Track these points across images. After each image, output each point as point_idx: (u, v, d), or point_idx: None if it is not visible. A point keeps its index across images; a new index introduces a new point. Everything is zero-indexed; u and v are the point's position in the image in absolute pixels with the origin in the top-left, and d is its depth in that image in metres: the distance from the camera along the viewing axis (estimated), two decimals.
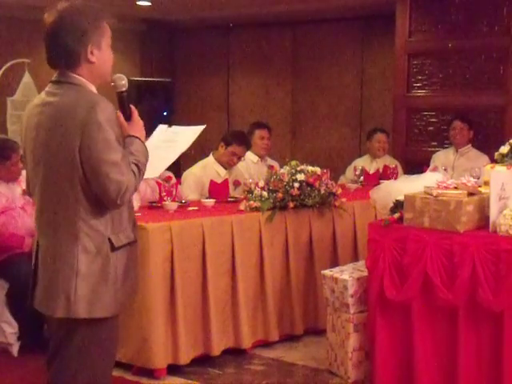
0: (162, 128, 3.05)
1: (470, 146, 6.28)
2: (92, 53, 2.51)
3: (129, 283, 2.64)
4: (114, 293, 2.54)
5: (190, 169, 5.55)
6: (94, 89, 2.57)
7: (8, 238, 4.55)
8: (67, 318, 2.51)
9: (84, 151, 2.41)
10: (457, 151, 6.30)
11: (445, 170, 5.85)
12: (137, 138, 2.59)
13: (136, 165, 2.52)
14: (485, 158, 6.10)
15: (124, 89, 2.64)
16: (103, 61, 2.56)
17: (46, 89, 2.58)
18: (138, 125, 2.63)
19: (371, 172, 6.35)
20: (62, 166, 2.46)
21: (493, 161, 6.00)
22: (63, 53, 2.49)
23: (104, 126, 2.41)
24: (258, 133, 6.12)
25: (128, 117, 2.61)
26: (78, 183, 2.45)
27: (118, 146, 2.46)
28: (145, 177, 2.64)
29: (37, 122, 2.55)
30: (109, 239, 2.51)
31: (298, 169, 4.78)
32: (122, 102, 2.62)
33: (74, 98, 2.48)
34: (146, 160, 2.60)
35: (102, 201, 2.48)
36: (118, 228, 2.55)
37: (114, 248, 2.52)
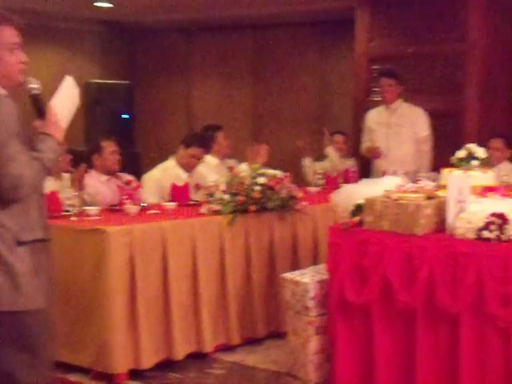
0: (69, 79, 2.88)
1: (400, 100, 6.21)
2: None
3: (40, 283, 2.60)
4: (15, 287, 2.51)
5: (150, 172, 5.54)
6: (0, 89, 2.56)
7: None
8: None
9: None
10: (388, 108, 6.23)
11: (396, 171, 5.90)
12: (49, 135, 2.59)
13: (38, 160, 2.52)
14: (418, 110, 6.14)
15: (36, 91, 2.66)
16: (10, 61, 2.56)
17: None
18: (51, 122, 2.63)
19: (332, 175, 6.40)
20: None
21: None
22: None
23: None
24: (221, 135, 6.17)
25: (42, 116, 2.64)
26: None
27: (14, 141, 2.45)
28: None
29: None
30: (11, 234, 2.50)
31: (260, 172, 4.80)
32: (35, 103, 2.66)
33: None
34: (57, 156, 2.61)
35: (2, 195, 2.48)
36: (23, 223, 2.54)
37: (19, 243, 2.52)
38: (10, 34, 2.57)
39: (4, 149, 2.43)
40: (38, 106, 2.65)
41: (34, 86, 2.67)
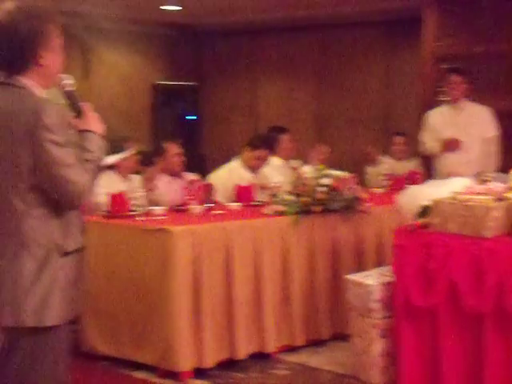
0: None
1: (466, 99, 6.00)
2: (41, 56, 2.42)
3: (78, 291, 2.56)
4: (63, 299, 2.45)
5: (215, 172, 5.58)
6: (40, 91, 2.48)
7: None
8: (16, 327, 2.40)
9: (36, 156, 2.33)
10: (454, 107, 6.03)
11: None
12: (90, 131, 2.51)
13: (91, 162, 2.45)
14: (486, 110, 5.95)
15: (70, 88, 2.58)
16: (53, 62, 2.47)
17: None
18: (91, 119, 2.55)
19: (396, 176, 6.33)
20: (7, 172, 2.38)
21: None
22: (10, 56, 2.40)
23: (54, 129, 2.33)
24: (285, 137, 6.17)
25: (79, 113, 2.56)
26: (24, 189, 2.37)
27: (70, 148, 2.39)
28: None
29: None
30: (58, 245, 2.43)
31: (324, 173, 4.77)
32: (70, 99, 2.57)
33: (20, 102, 2.39)
34: (103, 152, 2.54)
35: (50, 206, 2.41)
36: (66, 233, 2.47)
37: (63, 254, 2.44)
38: (54, 35, 2.47)
39: (62, 158, 2.35)
40: (73, 103, 2.56)
41: (68, 81, 2.57)
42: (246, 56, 9.42)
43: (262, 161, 5.53)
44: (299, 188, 4.69)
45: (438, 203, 3.78)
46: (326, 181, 4.71)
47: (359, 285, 4.08)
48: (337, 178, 4.77)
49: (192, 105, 9.54)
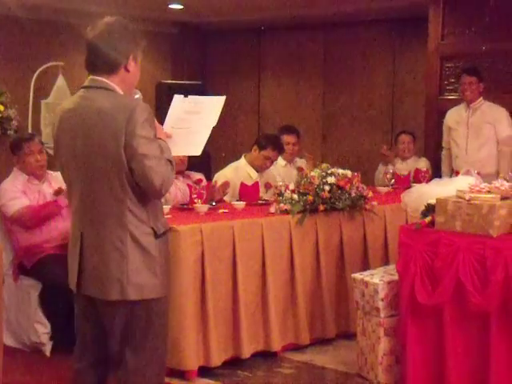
0: (178, 98, 3.05)
1: (481, 99, 6.05)
2: (131, 63, 2.78)
3: (168, 267, 2.92)
4: (159, 275, 2.81)
5: (221, 171, 5.57)
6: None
7: (45, 221, 4.61)
8: (121, 300, 2.75)
9: (129, 149, 2.65)
10: (469, 107, 6.06)
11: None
12: (160, 139, 2.82)
13: (169, 160, 2.77)
14: (501, 110, 5.96)
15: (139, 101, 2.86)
16: (136, 72, 2.84)
17: (78, 94, 2.82)
18: (159, 128, 2.85)
19: (402, 175, 6.33)
20: (109, 162, 2.68)
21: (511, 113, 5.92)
22: (107, 59, 2.74)
23: (144, 125, 2.67)
24: (284, 138, 6.09)
25: None
26: (124, 178, 2.69)
27: (157, 142, 2.73)
28: (188, 154, 3.04)
29: (72, 126, 2.77)
30: (152, 228, 2.77)
31: (329, 172, 4.78)
32: None
33: (113, 101, 2.72)
34: (172, 158, 2.83)
35: (144, 193, 2.73)
36: (156, 218, 2.82)
37: (156, 236, 2.79)
38: (141, 50, 2.85)
39: (151, 150, 2.68)
40: None
41: (137, 96, 2.91)
42: (251, 55, 9.43)
43: (269, 161, 5.51)
44: (304, 186, 4.69)
45: (443, 202, 3.78)
46: (331, 179, 4.72)
47: (365, 283, 4.09)
48: (342, 177, 4.77)
49: None
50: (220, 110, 3.19)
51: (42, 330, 4.50)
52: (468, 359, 3.70)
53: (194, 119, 3.06)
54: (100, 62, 2.75)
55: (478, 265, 3.61)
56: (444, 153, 6.37)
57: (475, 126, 5.98)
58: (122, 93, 2.78)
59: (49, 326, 4.51)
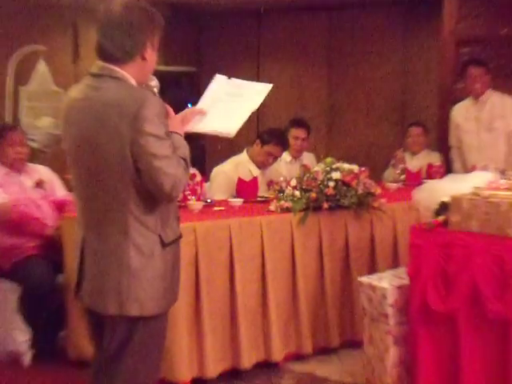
0: (220, 79, 3.06)
1: (490, 91, 6.09)
2: (147, 51, 2.74)
3: (176, 279, 2.87)
4: (163, 289, 2.77)
5: (220, 166, 5.56)
6: (134, 84, 2.75)
7: (23, 219, 4.59)
8: (119, 315, 2.72)
9: (135, 147, 2.59)
10: (477, 100, 6.12)
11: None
12: (176, 133, 2.77)
13: (183, 159, 2.71)
14: (510, 101, 6.01)
15: (156, 89, 2.89)
16: (153, 59, 2.80)
17: (86, 82, 2.76)
18: (175, 120, 2.82)
19: (413, 170, 6.34)
20: (112, 162, 2.63)
21: None
22: (122, 47, 2.69)
23: (154, 121, 2.60)
24: (293, 131, 6.10)
25: None
26: (128, 179, 2.64)
27: (169, 141, 2.66)
28: (220, 135, 2.95)
29: (79, 117, 2.72)
30: (159, 236, 2.72)
31: (334, 167, 4.80)
32: None
33: (122, 93, 2.66)
34: (188, 152, 2.78)
35: (152, 196, 2.68)
36: (165, 224, 2.76)
37: (163, 244, 2.73)
38: (158, 34, 2.80)
39: (161, 149, 2.61)
40: None
41: (153, 83, 2.91)
42: (249, 39, 9.42)
43: (272, 157, 5.51)
44: (307, 182, 4.70)
45: (458, 199, 3.79)
46: (336, 175, 4.73)
47: (372, 288, 4.10)
48: (348, 172, 4.78)
49: (191, 92, 9.55)
50: (264, 97, 3.16)
51: (20, 339, 4.51)
52: (485, 370, 3.71)
53: (234, 101, 3.05)
54: (114, 50, 2.69)
55: (497, 268, 3.61)
56: (454, 151, 6.38)
57: (486, 120, 6.00)
58: (134, 83, 2.73)
59: (28, 334, 4.52)
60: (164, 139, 2.64)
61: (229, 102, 3.05)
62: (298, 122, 6.28)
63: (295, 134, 6.11)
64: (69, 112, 2.79)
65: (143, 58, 2.74)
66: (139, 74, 2.76)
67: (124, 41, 2.69)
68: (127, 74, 2.71)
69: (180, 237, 2.87)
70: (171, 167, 2.63)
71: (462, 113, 6.22)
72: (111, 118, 2.61)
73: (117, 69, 2.70)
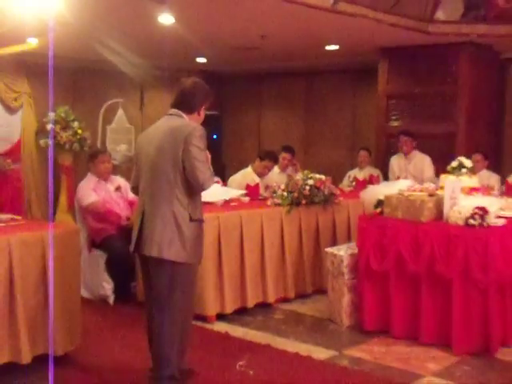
0: (216, 186, 3.66)
1: (415, 151, 6.01)
2: (201, 111, 2.93)
3: (197, 249, 2.82)
4: (187, 247, 2.75)
5: (233, 176, 5.51)
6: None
7: (107, 213, 4.56)
8: (159, 258, 2.72)
9: (185, 152, 2.72)
10: (406, 157, 6.04)
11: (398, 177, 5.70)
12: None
13: (209, 168, 2.81)
14: (426, 158, 5.94)
15: None
16: (202, 116, 2.96)
17: (164, 117, 2.92)
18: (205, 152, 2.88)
19: (360, 179, 6.33)
20: (170, 163, 2.75)
21: (434, 161, 5.90)
22: (189, 104, 2.88)
23: (198, 139, 2.75)
24: (282, 154, 6.04)
25: None
26: (178, 172, 2.74)
27: (205, 153, 2.79)
28: (210, 200, 3.18)
29: (151, 137, 2.86)
30: (189, 213, 2.76)
31: (309, 176, 4.76)
32: None
33: (182, 123, 2.84)
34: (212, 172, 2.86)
35: (190, 186, 2.74)
36: (194, 208, 2.80)
37: (191, 219, 2.77)
38: (208, 102, 2.96)
39: (200, 156, 2.73)
40: None
41: None
42: (254, 94, 9.39)
43: (268, 169, 5.47)
44: (291, 186, 4.69)
45: (389, 197, 3.80)
46: (310, 181, 4.70)
47: (334, 255, 4.08)
48: (318, 180, 4.76)
49: (216, 128, 9.53)
50: (238, 194, 4.14)
51: (107, 286, 4.49)
52: (405, 306, 3.71)
53: (225, 191, 3.95)
54: (184, 106, 2.88)
55: (413, 242, 3.62)
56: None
57: (411, 171, 5.98)
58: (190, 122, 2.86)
59: (112, 284, 4.50)
60: (203, 151, 2.76)
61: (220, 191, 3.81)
62: (286, 148, 6.20)
63: (283, 156, 6.03)
64: (143, 135, 2.95)
65: (198, 114, 2.92)
66: (193, 122, 2.88)
67: (191, 102, 2.88)
68: (187, 118, 2.88)
69: (202, 220, 2.85)
70: (204, 169, 2.73)
71: (396, 163, 6.12)
72: (174, 134, 2.76)
73: (182, 113, 2.88)
